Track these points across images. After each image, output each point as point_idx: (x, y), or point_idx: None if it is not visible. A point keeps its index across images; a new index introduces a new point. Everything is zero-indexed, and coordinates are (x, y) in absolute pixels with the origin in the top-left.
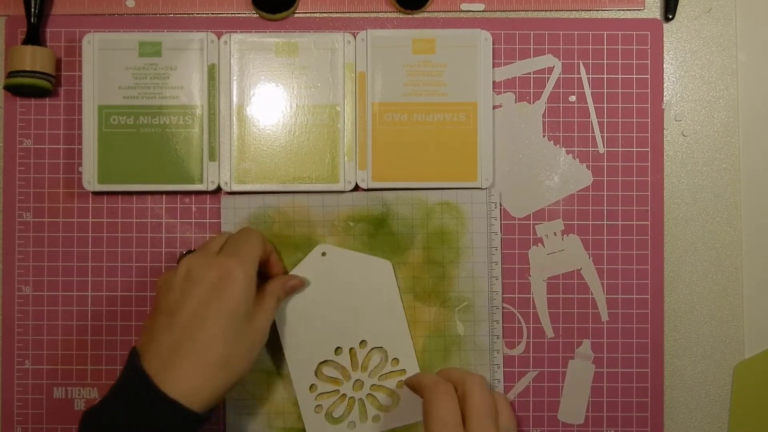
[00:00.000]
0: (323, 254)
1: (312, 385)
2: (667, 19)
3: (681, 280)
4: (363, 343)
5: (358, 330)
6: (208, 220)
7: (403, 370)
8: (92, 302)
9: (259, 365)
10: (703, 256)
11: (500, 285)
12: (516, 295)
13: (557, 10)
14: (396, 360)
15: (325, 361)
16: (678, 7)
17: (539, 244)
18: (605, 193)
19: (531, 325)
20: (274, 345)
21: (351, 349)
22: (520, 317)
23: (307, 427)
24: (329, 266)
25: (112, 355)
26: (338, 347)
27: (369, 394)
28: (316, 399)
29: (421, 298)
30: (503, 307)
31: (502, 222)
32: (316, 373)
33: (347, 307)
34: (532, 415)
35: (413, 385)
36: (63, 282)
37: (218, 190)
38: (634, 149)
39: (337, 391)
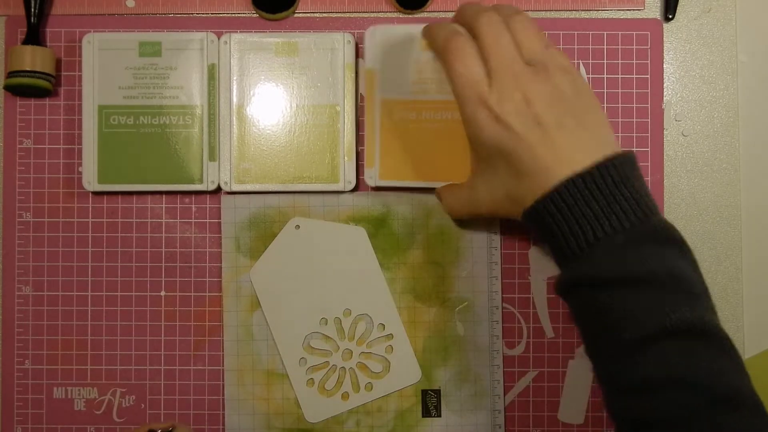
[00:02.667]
0: (297, 227)
1: (301, 358)
2: (667, 19)
3: None
4: (347, 311)
5: (341, 299)
6: (208, 220)
7: (390, 335)
8: (92, 302)
9: (258, 365)
10: (703, 256)
11: (500, 285)
12: (516, 295)
13: (557, 10)
14: (382, 325)
15: (311, 333)
16: (678, 7)
17: (539, 244)
18: None
19: (531, 325)
20: (273, 345)
21: (336, 318)
22: (520, 317)
23: (301, 403)
24: (305, 238)
25: (112, 355)
26: (323, 318)
27: (359, 362)
28: (306, 372)
29: (421, 299)
30: (503, 307)
31: (502, 222)
32: (304, 346)
33: (327, 277)
34: (532, 415)
35: (431, 47)
36: (63, 282)
37: (218, 190)
38: (634, 149)
39: (327, 362)
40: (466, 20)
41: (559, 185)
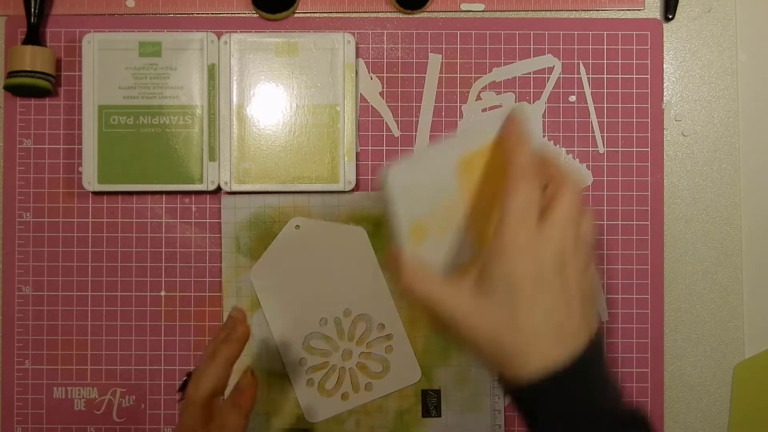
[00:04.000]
0: (297, 227)
1: (301, 359)
2: (667, 19)
3: (681, 280)
4: (347, 311)
5: (341, 299)
6: (208, 220)
7: (390, 335)
8: (92, 302)
9: (258, 365)
10: (703, 256)
11: None
12: None
13: (557, 10)
14: (381, 326)
15: (311, 333)
16: (678, 7)
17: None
18: (605, 193)
19: None
20: (273, 345)
21: (336, 318)
22: None
23: (301, 403)
24: (305, 238)
25: (112, 355)
26: (323, 318)
27: (359, 362)
28: (306, 373)
29: None
30: None
31: None
32: (304, 346)
33: (327, 277)
34: None
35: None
36: (63, 282)
37: (218, 190)
38: (634, 149)
39: (327, 362)
40: (553, 172)
41: (537, 379)
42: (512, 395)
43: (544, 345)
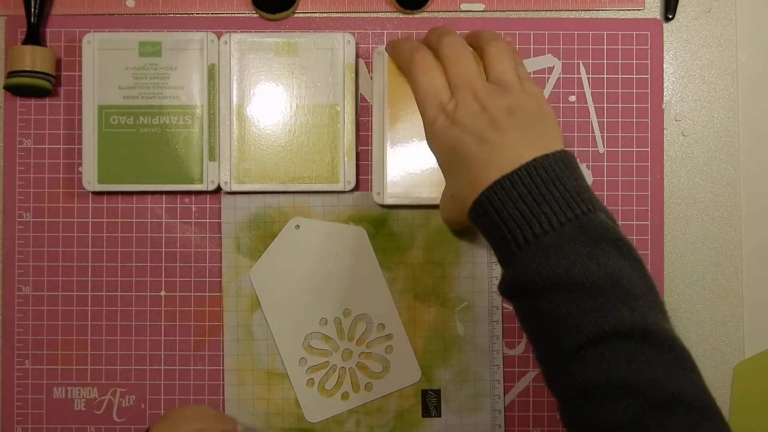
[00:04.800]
0: (297, 227)
1: (301, 358)
2: (667, 19)
3: (681, 280)
4: (347, 311)
5: (341, 299)
6: (208, 220)
7: (390, 335)
8: (92, 302)
9: (258, 365)
10: (703, 256)
11: None
12: None
13: (557, 10)
14: (381, 326)
15: (311, 333)
16: (678, 7)
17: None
18: (605, 193)
19: None
20: (273, 345)
21: (336, 318)
22: None
23: (301, 403)
24: (304, 238)
25: (112, 355)
26: (323, 318)
27: (359, 362)
28: (306, 372)
29: (421, 299)
30: (503, 307)
31: None
32: (304, 346)
33: (327, 277)
34: (532, 415)
35: (395, 60)
36: (63, 282)
37: (218, 190)
38: (634, 149)
39: (327, 362)
40: (430, 41)
41: (488, 187)
42: (476, 212)
43: (515, 148)
